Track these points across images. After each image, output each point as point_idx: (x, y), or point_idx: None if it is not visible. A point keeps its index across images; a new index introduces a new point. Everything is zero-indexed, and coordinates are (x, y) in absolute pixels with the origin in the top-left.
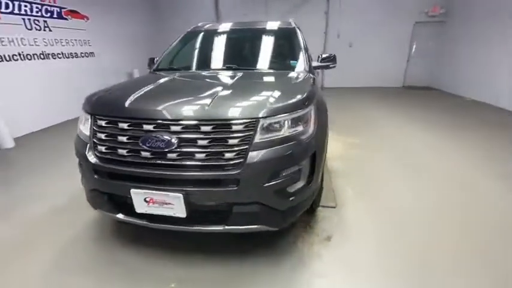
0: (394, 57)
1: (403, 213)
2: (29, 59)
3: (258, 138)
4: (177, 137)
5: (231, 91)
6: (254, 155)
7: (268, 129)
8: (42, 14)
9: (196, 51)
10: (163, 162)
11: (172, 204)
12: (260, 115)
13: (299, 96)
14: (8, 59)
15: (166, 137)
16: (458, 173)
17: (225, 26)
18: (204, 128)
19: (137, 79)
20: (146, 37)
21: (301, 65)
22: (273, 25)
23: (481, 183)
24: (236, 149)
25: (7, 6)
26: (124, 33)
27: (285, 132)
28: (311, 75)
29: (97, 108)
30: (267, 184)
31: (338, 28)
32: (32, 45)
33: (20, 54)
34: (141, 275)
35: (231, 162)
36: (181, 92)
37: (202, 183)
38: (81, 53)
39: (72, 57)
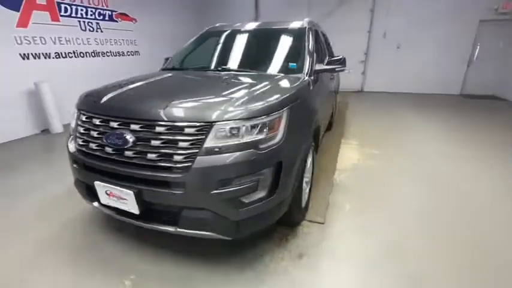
0: (451, 60)
1: (403, 243)
2: (82, 57)
3: (209, 143)
4: (134, 136)
5: (199, 93)
6: (202, 160)
7: (222, 134)
8: (95, 16)
9: (200, 52)
10: (119, 159)
11: (126, 200)
12: (213, 119)
13: (265, 103)
14: (64, 55)
15: (125, 135)
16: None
17: (236, 27)
18: (158, 129)
19: (133, 77)
20: (189, 36)
21: (300, 68)
22: (282, 26)
23: None
24: (185, 152)
25: (66, 10)
26: (168, 33)
27: (242, 138)
28: (308, 78)
29: (81, 103)
30: (215, 191)
31: (384, 27)
32: (85, 44)
33: (74, 52)
34: (111, 263)
35: (179, 165)
36: (155, 92)
37: (151, 183)
38: (128, 51)
39: (119, 56)
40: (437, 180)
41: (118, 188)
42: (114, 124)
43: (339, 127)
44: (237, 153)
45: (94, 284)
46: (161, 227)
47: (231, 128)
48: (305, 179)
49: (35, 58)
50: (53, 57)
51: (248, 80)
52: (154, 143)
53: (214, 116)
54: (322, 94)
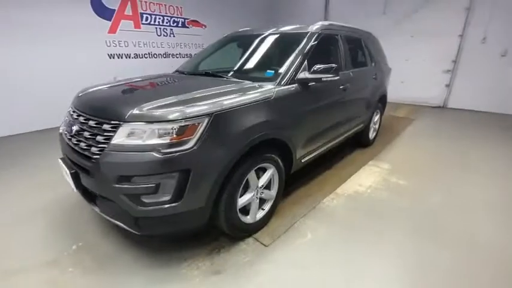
0: None
1: None
2: (155, 57)
3: (115, 140)
4: (78, 127)
5: (146, 95)
6: (107, 155)
7: (126, 134)
8: (170, 24)
9: (209, 57)
10: (68, 143)
11: (68, 177)
12: (122, 119)
13: (180, 109)
14: (140, 56)
15: (73, 125)
16: None
17: (245, 33)
18: (89, 123)
19: (129, 78)
20: None
21: (277, 75)
22: (287, 31)
23: None
24: (99, 146)
25: (146, 19)
26: None
27: (144, 140)
28: (279, 88)
29: (73, 98)
30: (116, 185)
31: (484, 29)
32: (159, 47)
33: (149, 54)
34: (70, 230)
35: (94, 156)
36: (115, 92)
37: (80, 168)
38: (195, 54)
39: (187, 57)
40: (465, 248)
41: (65, 168)
42: (74, 115)
43: (377, 147)
44: (137, 153)
45: (51, 242)
46: (94, 208)
47: (134, 129)
48: (261, 195)
49: (118, 58)
50: (132, 57)
51: (205, 85)
52: (85, 134)
53: (123, 116)
54: (314, 105)
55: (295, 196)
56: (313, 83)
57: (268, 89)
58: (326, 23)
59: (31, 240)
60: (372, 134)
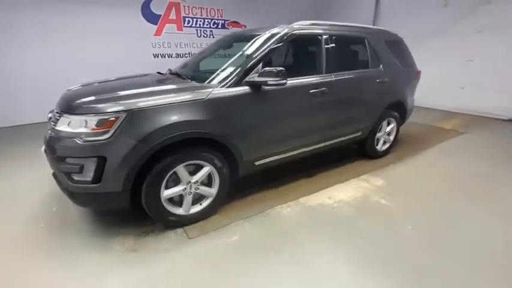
0: None
1: None
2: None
3: (57, 127)
4: (52, 115)
5: (95, 91)
6: (52, 138)
7: (62, 122)
8: (210, 25)
9: (200, 59)
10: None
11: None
12: (64, 111)
13: (102, 104)
14: (181, 56)
15: (50, 114)
16: None
17: (229, 35)
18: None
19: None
20: None
21: (221, 77)
22: (254, 32)
23: None
24: (53, 131)
25: (188, 22)
26: None
27: (74, 129)
28: (218, 90)
29: None
30: (57, 163)
31: None
32: (198, 47)
33: (189, 53)
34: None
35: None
36: (86, 89)
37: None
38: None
39: None
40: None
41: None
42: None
43: (387, 160)
44: (68, 139)
45: (40, 204)
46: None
47: (70, 119)
48: (196, 190)
49: (161, 57)
50: (174, 57)
51: (155, 84)
52: (54, 121)
53: (65, 109)
54: (270, 109)
55: (251, 198)
56: (273, 87)
57: (204, 90)
58: (306, 22)
59: (26, 201)
60: (381, 145)
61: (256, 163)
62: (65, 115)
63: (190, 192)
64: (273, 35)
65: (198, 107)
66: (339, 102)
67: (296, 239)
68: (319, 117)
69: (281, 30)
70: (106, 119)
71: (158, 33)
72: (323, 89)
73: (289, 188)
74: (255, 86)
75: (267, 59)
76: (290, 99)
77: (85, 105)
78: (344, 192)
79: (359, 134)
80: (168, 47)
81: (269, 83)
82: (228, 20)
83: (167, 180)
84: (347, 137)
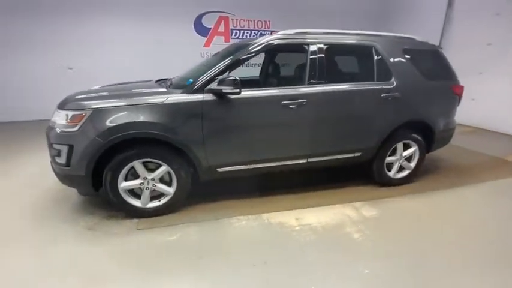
0: None
1: None
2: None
3: (52, 119)
4: None
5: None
6: (49, 126)
7: (59, 116)
8: (256, 36)
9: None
10: None
11: None
12: (58, 107)
13: (79, 102)
14: None
15: None
16: None
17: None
18: None
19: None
20: None
21: (188, 84)
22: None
23: None
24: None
25: (235, 34)
26: None
27: (58, 121)
28: (173, 96)
29: None
30: (48, 148)
31: None
32: None
33: None
34: None
35: None
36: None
37: None
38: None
39: None
40: None
41: None
42: None
43: (399, 190)
44: (53, 129)
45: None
46: None
47: (57, 113)
48: (153, 187)
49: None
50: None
51: (135, 89)
52: None
53: (58, 105)
54: (234, 118)
55: (218, 204)
56: (239, 95)
57: (165, 96)
58: (291, 31)
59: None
60: (396, 172)
61: (219, 170)
62: (57, 110)
63: (148, 188)
64: (248, 45)
65: (156, 110)
66: (324, 116)
67: (225, 253)
68: (297, 131)
69: (261, 39)
70: (77, 114)
71: (207, 44)
72: (300, 101)
73: (262, 201)
74: (218, 94)
75: (234, 68)
76: (256, 109)
77: (68, 103)
78: (318, 217)
79: (358, 154)
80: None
81: (223, 91)
82: (275, 31)
83: (127, 173)
84: (339, 157)
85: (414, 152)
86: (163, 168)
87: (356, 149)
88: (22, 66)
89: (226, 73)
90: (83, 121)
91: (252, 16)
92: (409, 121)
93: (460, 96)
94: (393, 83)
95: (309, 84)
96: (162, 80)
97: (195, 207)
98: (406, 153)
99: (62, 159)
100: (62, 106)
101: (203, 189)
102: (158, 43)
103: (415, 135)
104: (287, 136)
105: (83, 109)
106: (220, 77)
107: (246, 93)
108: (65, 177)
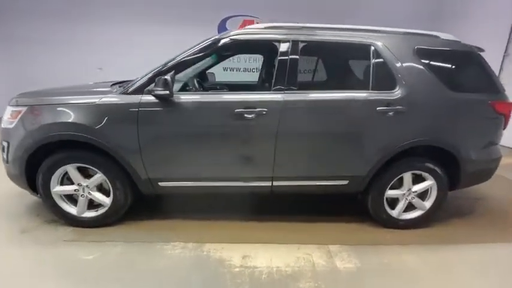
0: None
1: None
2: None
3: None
4: None
5: None
6: None
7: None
8: None
9: None
10: None
11: None
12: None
13: (14, 99)
14: (249, 70)
15: None
16: None
17: None
18: None
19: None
20: None
21: (130, 83)
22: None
23: None
24: None
25: None
26: None
27: (4, 117)
28: (106, 97)
29: None
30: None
31: None
32: None
33: (256, 68)
34: None
35: None
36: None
37: None
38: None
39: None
40: None
41: None
42: None
43: (401, 235)
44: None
45: None
46: None
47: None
48: (88, 195)
49: (230, 71)
50: (241, 71)
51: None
52: None
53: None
54: (175, 124)
55: (163, 223)
56: (186, 99)
57: (100, 95)
58: (260, 25)
59: None
60: (402, 210)
61: (161, 184)
62: (7, 106)
63: (83, 195)
64: (202, 42)
65: (87, 111)
66: (291, 131)
67: (125, 286)
68: (255, 146)
69: (210, 37)
70: (15, 110)
71: None
72: (259, 109)
73: (217, 226)
74: (159, 97)
75: (181, 68)
76: (202, 116)
77: (14, 99)
78: (273, 258)
79: (344, 183)
80: (238, 61)
81: (153, 93)
82: None
83: (63, 177)
84: (317, 183)
85: (430, 187)
86: (98, 176)
87: (340, 176)
88: (57, 66)
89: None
90: (18, 118)
91: (278, 20)
92: (419, 145)
93: (507, 115)
94: (397, 94)
95: (274, 90)
96: (125, 81)
97: (136, 223)
98: (418, 187)
99: (4, 155)
100: (9, 102)
101: (157, 203)
102: (183, 46)
103: (430, 165)
104: (242, 152)
105: (20, 106)
106: (159, 78)
107: (189, 96)
108: (8, 174)
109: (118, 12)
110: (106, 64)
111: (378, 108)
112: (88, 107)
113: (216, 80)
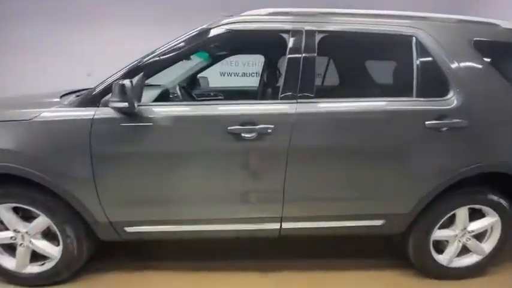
0: None
1: None
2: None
3: None
4: None
5: None
6: None
7: None
8: None
9: None
10: None
11: None
12: None
13: None
14: (248, 75)
15: None
16: None
17: None
18: None
19: None
20: None
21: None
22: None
23: None
24: None
25: None
26: None
27: None
28: (46, 110)
29: None
30: None
31: None
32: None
33: (256, 73)
34: None
35: None
36: None
37: None
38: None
39: None
40: None
41: None
42: None
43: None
44: None
45: None
46: None
47: None
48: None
49: (227, 76)
50: (240, 75)
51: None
52: None
53: None
54: (150, 147)
55: (136, 278)
56: (159, 112)
57: (39, 109)
58: (262, 11)
59: None
60: (454, 255)
61: (128, 230)
62: None
63: (22, 244)
64: (185, 33)
65: (20, 131)
66: (308, 153)
67: None
68: (259, 177)
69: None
70: None
71: None
72: (262, 126)
73: (203, 283)
74: (118, 110)
75: (155, 69)
76: (182, 136)
77: None
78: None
79: (378, 223)
80: (236, 66)
81: (109, 105)
82: None
83: None
84: (341, 224)
85: (492, 225)
86: (41, 220)
87: (373, 215)
88: (42, 71)
89: (137, 78)
90: None
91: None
92: (484, 171)
93: None
94: (452, 101)
95: (282, 99)
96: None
97: (99, 278)
98: (476, 226)
99: None
100: None
101: (128, 244)
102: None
103: (494, 197)
104: (238, 185)
105: None
106: (117, 83)
107: (163, 109)
108: None
109: (108, 15)
110: (96, 69)
111: (427, 122)
112: (19, 126)
113: (210, 85)
